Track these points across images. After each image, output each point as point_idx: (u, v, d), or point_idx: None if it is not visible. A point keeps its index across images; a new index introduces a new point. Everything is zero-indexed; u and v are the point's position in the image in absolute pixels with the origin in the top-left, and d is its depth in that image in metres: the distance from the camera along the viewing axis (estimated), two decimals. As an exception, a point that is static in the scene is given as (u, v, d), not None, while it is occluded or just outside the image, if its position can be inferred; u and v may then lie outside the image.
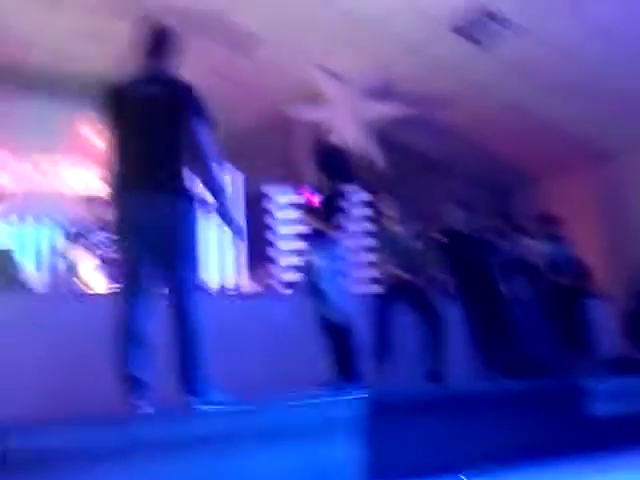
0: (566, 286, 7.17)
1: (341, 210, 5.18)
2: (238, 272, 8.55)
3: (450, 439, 4.37)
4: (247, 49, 8.68)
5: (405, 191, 7.45)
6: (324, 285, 5.02)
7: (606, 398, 5.36)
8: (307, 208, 5.39)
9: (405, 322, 6.02)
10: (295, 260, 7.96)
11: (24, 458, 2.96)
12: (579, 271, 7.41)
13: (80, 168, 9.58)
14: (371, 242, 7.39)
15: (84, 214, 7.58)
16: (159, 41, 3.99)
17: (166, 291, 3.78)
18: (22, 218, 8.68)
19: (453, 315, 6.25)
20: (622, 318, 7.58)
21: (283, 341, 5.26)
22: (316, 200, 5.36)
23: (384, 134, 9.33)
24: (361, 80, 8.89)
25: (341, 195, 5.21)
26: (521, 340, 6.42)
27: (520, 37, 7.97)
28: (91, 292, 6.52)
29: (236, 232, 4.10)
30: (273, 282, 8.11)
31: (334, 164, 5.29)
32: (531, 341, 6.49)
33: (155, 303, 3.83)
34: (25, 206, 8.98)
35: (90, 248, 6.91)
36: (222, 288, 7.63)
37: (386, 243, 6.33)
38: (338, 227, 5.12)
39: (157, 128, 3.82)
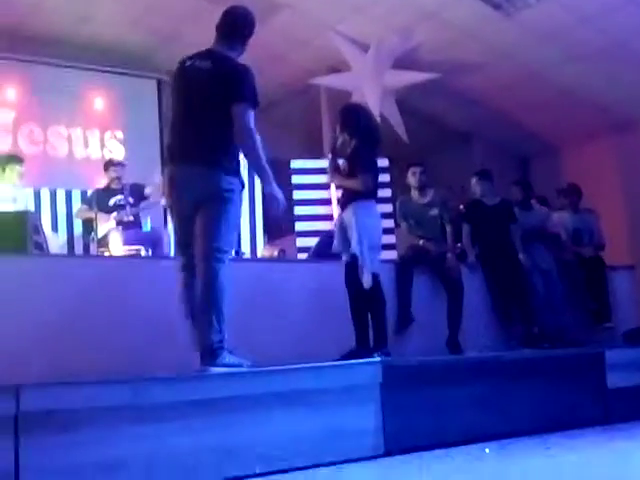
0: (587, 256, 7.09)
1: (367, 168, 5.08)
2: (254, 237, 8.51)
3: (469, 408, 4.34)
4: (264, 16, 8.59)
5: (427, 160, 7.37)
6: (355, 249, 4.95)
7: (626, 369, 5.32)
8: (333, 169, 5.29)
9: (425, 291, 5.97)
10: (313, 225, 7.92)
11: (38, 418, 2.95)
12: (600, 241, 7.33)
13: (97, 132, 9.56)
14: (390, 208, 7.31)
15: (100, 178, 7.57)
16: (226, 22, 4.06)
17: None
18: (39, 181, 8.67)
19: (473, 284, 6.20)
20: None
21: (302, 307, 5.21)
22: (341, 162, 5.27)
23: (406, 103, 9.24)
24: (383, 47, 8.77)
25: (365, 154, 5.12)
26: (541, 310, 6.36)
27: (542, 3, 7.82)
28: (107, 254, 6.51)
29: (277, 210, 4.02)
30: (291, 247, 8.06)
31: (358, 122, 5.19)
32: (551, 311, 6.43)
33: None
34: (42, 169, 8.98)
35: (106, 211, 6.90)
36: (238, 254, 7.59)
37: (407, 212, 6.26)
38: (366, 186, 5.04)
39: (200, 102, 3.89)
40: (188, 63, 4.00)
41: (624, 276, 7.39)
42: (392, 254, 7.17)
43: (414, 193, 6.26)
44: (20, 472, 2.87)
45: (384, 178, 7.76)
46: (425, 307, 5.86)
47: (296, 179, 8.25)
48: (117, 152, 9.38)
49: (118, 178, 7.12)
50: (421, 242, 6.09)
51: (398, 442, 3.89)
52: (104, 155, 9.25)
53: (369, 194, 5.07)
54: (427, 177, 6.27)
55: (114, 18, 8.72)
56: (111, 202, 6.98)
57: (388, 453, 3.83)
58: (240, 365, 3.79)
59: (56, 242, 7.00)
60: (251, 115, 3.86)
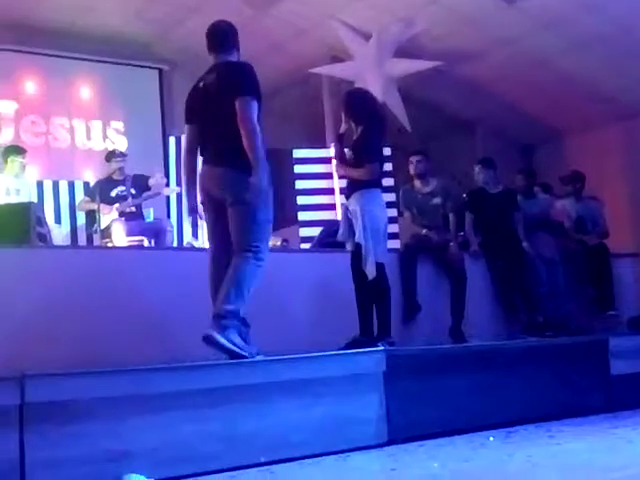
0: (591, 244, 7.07)
1: (373, 157, 5.05)
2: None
3: (473, 396, 4.35)
4: (265, 5, 8.58)
5: (429, 148, 7.35)
6: (360, 238, 4.94)
7: (630, 356, 5.33)
8: (339, 158, 5.27)
9: (428, 280, 5.97)
10: (316, 215, 7.91)
11: (43, 409, 2.96)
12: (604, 229, 7.31)
13: (99, 123, 9.55)
14: (393, 197, 7.30)
15: (103, 169, 7.57)
16: (217, 37, 4.30)
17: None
18: (42, 172, 8.68)
19: (477, 273, 6.19)
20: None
21: (305, 296, 5.21)
22: (346, 150, 5.24)
23: (408, 91, 9.21)
24: (385, 36, 8.75)
25: (372, 142, 5.08)
26: (545, 298, 6.35)
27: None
28: (110, 245, 6.51)
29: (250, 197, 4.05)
30: (294, 237, 8.05)
31: (363, 109, 5.15)
32: (555, 299, 6.42)
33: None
34: (45, 161, 8.99)
35: (109, 202, 6.90)
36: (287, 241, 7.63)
37: (410, 201, 6.24)
38: (372, 175, 5.03)
39: (212, 112, 4.10)
40: (200, 84, 4.23)
41: (628, 264, 7.37)
42: (395, 243, 7.17)
43: (416, 182, 6.25)
44: (26, 462, 2.89)
45: (387, 167, 7.76)
46: (428, 296, 5.85)
47: (298, 169, 8.23)
48: (119, 143, 9.38)
49: (120, 169, 7.11)
50: (424, 231, 6.08)
51: (402, 430, 3.91)
52: (106, 146, 9.25)
53: (374, 183, 5.06)
54: (429, 166, 6.24)
55: (116, 9, 8.69)
56: (113, 193, 6.97)
57: (392, 441, 3.85)
58: (242, 351, 3.79)
59: (59, 233, 7.00)
60: (254, 107, 4.01)
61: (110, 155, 7.36)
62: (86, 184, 7.74)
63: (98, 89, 9.54)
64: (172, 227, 7.29)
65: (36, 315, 4.31)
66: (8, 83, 8.99)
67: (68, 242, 7.32)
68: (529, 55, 8.95)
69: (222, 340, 3.73)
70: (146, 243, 6.74)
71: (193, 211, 4.34)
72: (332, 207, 7.89)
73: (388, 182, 7.68)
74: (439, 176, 6.42)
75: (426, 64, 8.78)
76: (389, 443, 3.83)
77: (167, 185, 7.78)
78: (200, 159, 4.34)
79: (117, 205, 6.91)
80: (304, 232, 7.89)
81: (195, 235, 7.40)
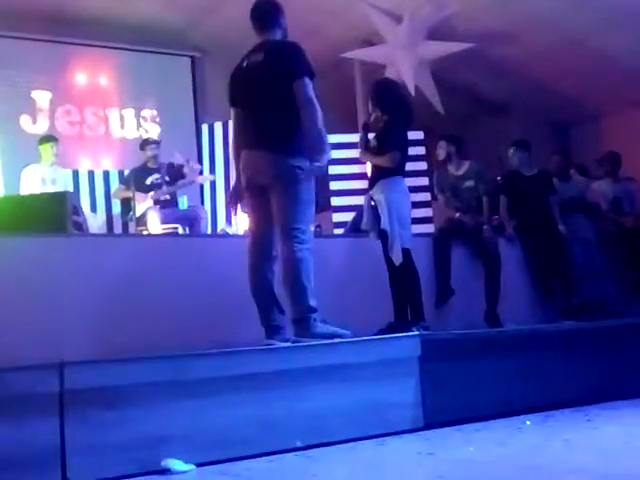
0: (628, 226, 6.98)
1: (396, 145, 5.07)
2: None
3: (509, 381, 4.32)
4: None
5: (463, 131, 7.29)
6: (385, 225, 4.95)
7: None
8: (363, 146, 5.30)
9: (463, 264, 5.94)
10: (349, 200, 7.90)
11: (83, 395, 3.00)
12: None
13: (132, 112, 9.62)
14: (426, 181, 7.26)
15: (137, 157, 7.63)
16: (259, 15, 4.22)
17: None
18: (77, 162, 8.77)
19: (512, 257, 6.15)
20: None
21: (340, 281, 5.22)
22: (371, 138, 5.28)
23: (441, 74, 9.13)
24: (417, 18, 8.67)
25: (396, 130, 5.10)
26: (581, 281, 6.30)
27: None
28: (146, 233, 6.57)
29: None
30: (327, 222, 8.05)
31: (390, 98, 5.18)
32: (591, 282, 6.36)
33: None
34: (80, 150, 9.08)
35: (143, 190, 6.96)
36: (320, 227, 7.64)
37: (444, 184, 6.22)
38: (394, 163, 5.03)
39: (256, 92, 4.04)
40: (245, 62, 4.15)
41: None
42: (429, 227, 7.14)
43: (450, 165, 6.22)
44: (66, 448, 2.94)
45: (419, 151, 7.71)
46: (463, 280, 5.83)
47: (331, 154, 8.21)
48: (152, 131, 9.44)
49: (154, 157, 7.16)
50: (457, 215, 6.05)
51: (438, 415, 3.90)
52: (140, 134, 9.32)
53: (397, 171, 5.10)
54: (453, 150, 6.19)
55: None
56: (148, 181, 7.03)
57: (428, 426, 3.84)
58: (335, 335, 3.87)
59: (95, 222, 7.08)
60: (310, 86, 3.97)
61: (144, 143, 7.42)
62: (121, 172, 7.82)
63: (131, 77, 9.59)
64: (206, 214, 7.34)
65: (73, 303, 4.38)
66: (42, 73, 9.09)
67: (104, 230, 7.40)
68: (564, 34, 8.81)
69: (310, 341, 3.78)
70: (181, 231, 6.79)
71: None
72: (365, 192, 7.86)
73: (421, 166, 7.65)
74: (472, 159, 6.38)
75: (459, 46, 8.69)
76: (425, 428, 3.83)
77: (201, 173, 7.82)
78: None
79: (152, 193, 6.96)
80: (337, 217, 7.89)
81: (229, 222, 7.44)
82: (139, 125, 9.62)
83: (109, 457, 2.98)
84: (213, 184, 8.07)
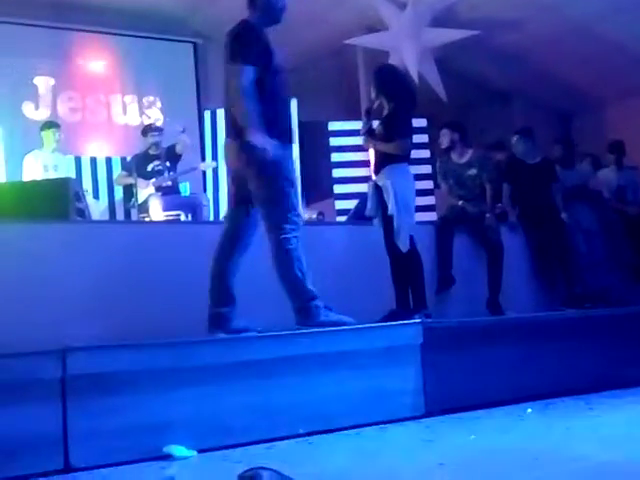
0: (631, 214, 6.97)
1: (404, 132, 5.04)
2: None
3: (510, 368, 4.33)
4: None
5: (466, 119, 7.27)
6: (393, 210, 4.93)
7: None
8: (369, 132, 5.26)
9: (465, 252, 5.93)
10: (351, 188, 7.90)
11: (85, 381, 3.01)
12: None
13: (134, 98, 9.60)
14: (429, 169, 7.26)
15: (140, 144, 7.61)
16: None
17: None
18: (80, 148, 8.76)
19: (514, 245, 6.14)
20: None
21: (342, 269, 5.21)
22: (376, 125, 5.25)
23: (445, 61, 9.10)
24: (420, 5, 8.63)
25: (402, 117, 5.07)
26: (584, 269, 6.29)
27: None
28: (148, 220, 6.57)
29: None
30: (329, 210, 8.06)
31: (394, 84, 5.15)
32: (594, 270, 6.35)
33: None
34: (82, 136, 9.06)
35: (145, 177, 6.95)
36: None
37: (447, 172, 6.20)
38: (403, 150, 5.01)
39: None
40: None
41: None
42: (432, 215, 7.13)
43: (453, 153, 6.19)
44: (68, 434, 2.95)
45: (422, 139, 7.70)
46: (465, 268, 5.82)
47: (334, 141, 8.22)
48: (155, 118, 9.42)
49: (156, 144, 7.13)
50: (460, 203, 6.04)
51: (439, 402, 3.91)
52: (143, 121, 9.30)
53: (403, 157, 5.07)
54: (457, 137, 6.15)
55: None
56: (149, 168, 7.01)
57: (429, 413, 3.85)
58: (339, 322, 3.84)
59: (97, 208, 7.08)
60: (241, 73, 3.77)
61: (146, 129, 7.40)
62: (123, 159, 7.81)
63: (133, 64, 9.56)
64: (208, 201, 7.32)
65: (75, 289, 4.38)
66: (45, 60, 9.05)
67: (106, 217, 7.40)
68: (568, 22, 8.77)
69: (314, 329, 3.75)
70: (183, 217, 6.79)
71: None
72: (368, 179, 7.85)
73: (424, 154, 7.64)
74: (475, 146, 6.35)
75: (462, 33, 8.66)
76: (426, 415, 3.84)
77: (203, 160, 7.80)
78: None
79: (154, 180, 6.95)
80: (340, 205, 7.89)
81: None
82: (142, 112, 9.60)
83: (111, 443, 2.99)
84: (215, 171, 8.05)
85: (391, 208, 4.94)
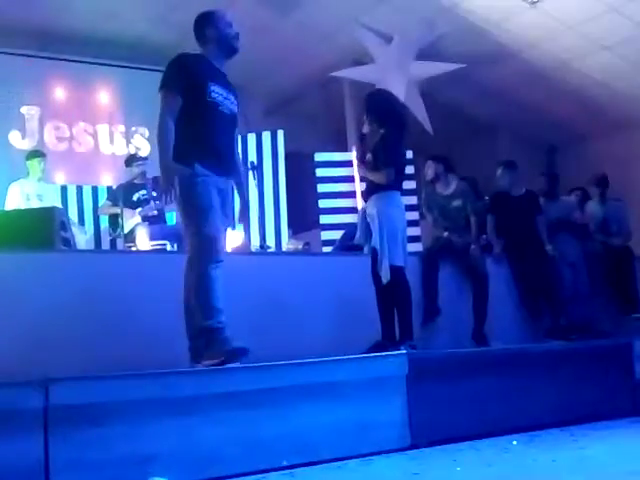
0: (616, 246, 7.02)
1: (391, 161, 4.97)
2: (279, 231, 8.52)
3: (496, 400, 4.33)
4: (286, 9, 8.60)
5: (452, 151, 7.33)
6: (375, 242, 4.90)
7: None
8: (360, 160, 5.24)
9: (451, 283, 5.95)
10: (337, 218, 7.91)
11: (68, 412, 2.98)
12: (629, 231, 7.25)
13: (122, 129, 9.62)
14: (414, 200, 7.29)
15: (126, 173, 7.61)
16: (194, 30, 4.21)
17: None
18: (66, 177, 8.75)
19: (499, 276, 6.16)
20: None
21: (328, 300, 5.21)
22: (367, 154, 5.19)
23: (430, 94, 9.19)
24: (407, 39, 8.74)
25: (392, 144, 5.02)
26: (568, 301, 6.31)
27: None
28: (134, 249, 6.55)
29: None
30: (315, 240, 8.07)
31: (385, 109, 5.09)
32: (578, 302, 6.37)
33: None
34: (68, 165, 9.06)
35: (131, 206, 6.94)
36: (262, 247, 7.61)
37: (432, 203, 6.22)
38: (388, 180, 4.97)
39: None
40: None
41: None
42: (417, 246, 7.15)
43: (438, 185, 6.23)
44: (50, 465, 2.91)
45: (408, 170, 7.72)
46: (451, 299, 5.83)
47: (320, 172, 8.25)
48: (142, 148, 9.44)
49: (142, 173, 7.14)
50: (445, 234, 6.06)
51: (424, 434, 3.90)
52: (129, 151, 9.31)
53: (392, 186, 4.99)
54: (441, 169, 6.18)
55: (139, 14, 8.75)
56: (135, 197, 6.99)
57: (415, 445, 3.83)
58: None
59: (83, 238, 7.05)
60: (166, 102, 3.91)
61: (130, 159, 7.40)
62: (109, 188, 7.80)
63: (121, 94, 9.60)
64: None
65: (60, 319, 4.34)
66: (32, 89, 9.08)
67: (92, 246, 7.37)
68: (552, 57, 8.91)
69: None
70: (169, 247, 6.77)
71: None
72: (354, 210, 7.89)
73: (410, 185, 7.67)
74: (460, 178, 6.40)
75: (448, 67, 8.77)
76: (412, 447, 3.82)
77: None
78: None
79: (140, 209, 6.94)
80: (326, 235, 7.90)
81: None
82: (129, 142, 9.62)
83: (94, 475, 2.96)
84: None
85: (374, 239, 4.91)
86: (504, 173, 6.61)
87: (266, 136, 8.61)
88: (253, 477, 3.21)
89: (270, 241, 8.30)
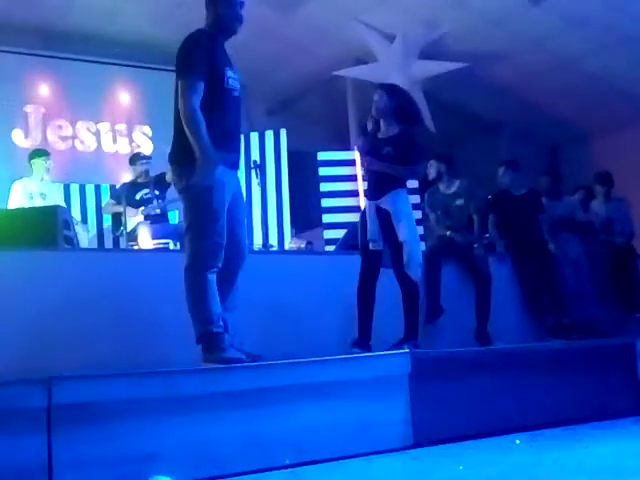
0: (619, 246, 7.01)
1: (420, 155, 4.93)
2: (282, 230, 8.53)
3: (498, 399, 4.32)
4: (289, 8, 8.60)
5: (454, 150, 7.33)
6: (407, 239, 4.77)
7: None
8: (370, 152, 5.08)
9: (453, 282, 5.94)
10: (340, 217, 7.91)
11: (71, 411, 2.98)
12: (630, 230, 7.25)
13: (124, 127, 9.63)
14: (417, 199, 7.28)
15: (129, 172, 7.63)
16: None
17: None
18: (69, 176, 8.76)
19: (502, 275, 6.15)
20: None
21: (331, 299, 5.21)
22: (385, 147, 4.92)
23: (433, 93, 9.19)
24: (409, 37, 8.74)
25: (414, 139, 4.95)
26: (571, 301, 6.30)
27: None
28: (137, 248, 6.55)
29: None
30: (318, 239, 8.07)
31: (407, 107, 4.99)
32: (581, 302, 6.37)
33: None
34: (71, 164, 9.07)
35: (134, 205, 6.94)
36: (265, 246, 7.62)
37: (434, 203, 6.22)
38: (417, 173, 4.95)
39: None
40: None
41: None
42: (420, 246, 7.14)
43: (440, 184, 6.22)
44: (53, 464, 2.91)
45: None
46: (453, 298, 5.82)
47: (323, 171, 8.25)
48: (145, 147, 9.45)
49: (145, 172, 7.15)
50: (448, 233, 6.06)
51: (427, 433, 3.89)
52: (132, 150, 9.32)
53: (403, 182, 4.92)
54: (444, 168, 6.17)
55: (143, 13, 8.77)
56: (138, 196, 7.00)
57: (417, 444, 3.83)
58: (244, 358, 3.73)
59: (85, 236, 7.06)
60: (189, 89, 3.61)
61: (134, 158, 7.41)
62: (112, 187, 7.81)
63: (125, 93, 9.62)
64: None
65: (63, 318, 4.35)
66: (35, 87, 9.10)
67: (95, 245, 7.38)
68: (555, 55, 8.91)
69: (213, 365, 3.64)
70: (172, 246, 6.77)
71: None
72: (357, 209, 7.88)
73: (412, 184, 7.66)
74: (463, 177, 6.39)
75: (451, 65, 8.77)
76: (414, 446, 3.82)
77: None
78: None
79: (142, 208, 6.94)
80: (328, 234, 7.90)
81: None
82: (132, 140, 9.63)
83: (97, 473, 2.96)
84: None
85: (403, 235, 4.77)
86: (506, 172, 6.60)
87: (269, 135, 8.62)
88: (255, 475, 3.22)
89: (273, 240, 8.31)
